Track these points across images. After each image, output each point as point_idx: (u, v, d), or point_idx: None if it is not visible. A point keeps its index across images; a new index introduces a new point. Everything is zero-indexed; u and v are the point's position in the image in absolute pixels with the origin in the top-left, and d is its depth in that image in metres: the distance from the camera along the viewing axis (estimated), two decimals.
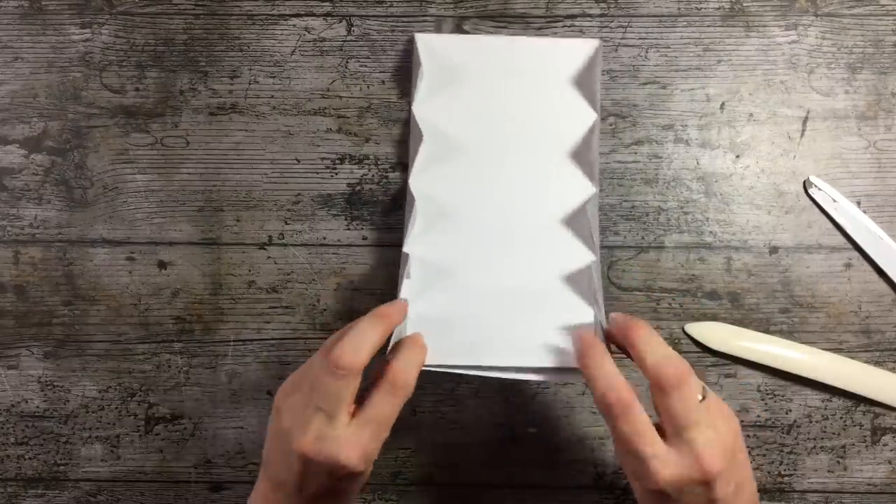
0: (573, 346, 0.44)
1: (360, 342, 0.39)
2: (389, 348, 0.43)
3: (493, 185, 0.51)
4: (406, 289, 0.48)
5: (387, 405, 0.39)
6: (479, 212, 0.50)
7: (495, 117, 0.52)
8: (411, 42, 0.54)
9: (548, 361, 0.44)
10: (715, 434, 0.37)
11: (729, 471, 0.38)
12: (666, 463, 0.37)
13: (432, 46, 0.53)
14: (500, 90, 0.52)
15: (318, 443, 0.38)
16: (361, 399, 0.40)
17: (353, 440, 0.38)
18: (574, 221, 0.50)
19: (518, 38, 0.53)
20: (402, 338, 0.43)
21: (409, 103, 0.53)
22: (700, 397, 0.38)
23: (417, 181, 0.51)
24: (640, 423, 0.38)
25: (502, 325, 0.46)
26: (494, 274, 0.48)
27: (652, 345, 0.39)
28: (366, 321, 0.40)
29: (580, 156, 0.51)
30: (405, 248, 0.49)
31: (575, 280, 0.48)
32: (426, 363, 0.43)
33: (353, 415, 0.39)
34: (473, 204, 0.50)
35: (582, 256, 0.49)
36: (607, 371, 0.39)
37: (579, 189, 0.50)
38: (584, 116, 0.52)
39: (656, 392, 0.38)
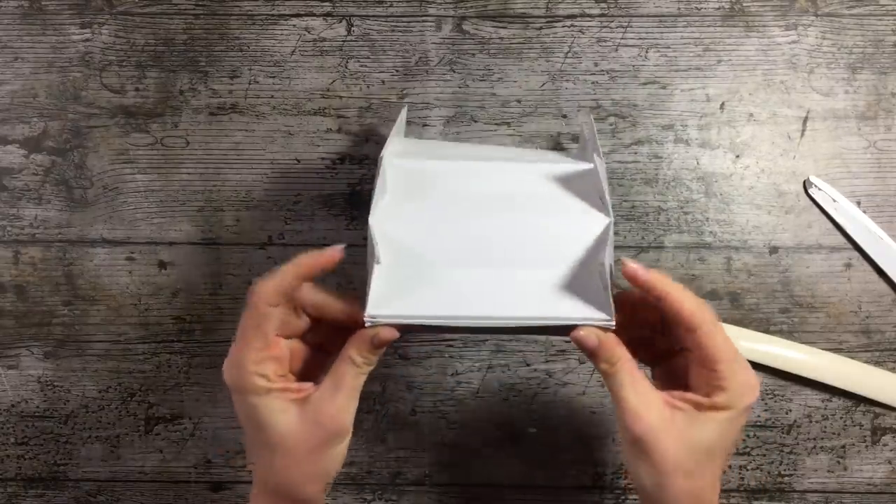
0: (635, 272, 0.37)
1: (271, 278, 0.38)
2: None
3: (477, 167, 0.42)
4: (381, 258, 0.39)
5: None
6: (460, 182, 0.41)
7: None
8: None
9: (551, 312, 0.38)
10: None
11: None
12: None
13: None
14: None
15: (230, 367, 0.38)
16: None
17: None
18: (579, 182, 0.41)
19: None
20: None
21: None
22: None
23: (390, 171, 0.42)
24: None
25: (498, 273, 0.39)
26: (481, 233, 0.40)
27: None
28: (291, 267, 0.38)
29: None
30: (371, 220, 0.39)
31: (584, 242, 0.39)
32: (405, 314, 0.37)
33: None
34: (453, 175, 0.42)
35: (592, 219, 0.39)
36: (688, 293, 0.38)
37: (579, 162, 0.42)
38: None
39: (701, 330, 0.37)
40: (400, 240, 0.39)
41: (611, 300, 0.37)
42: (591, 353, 0.38)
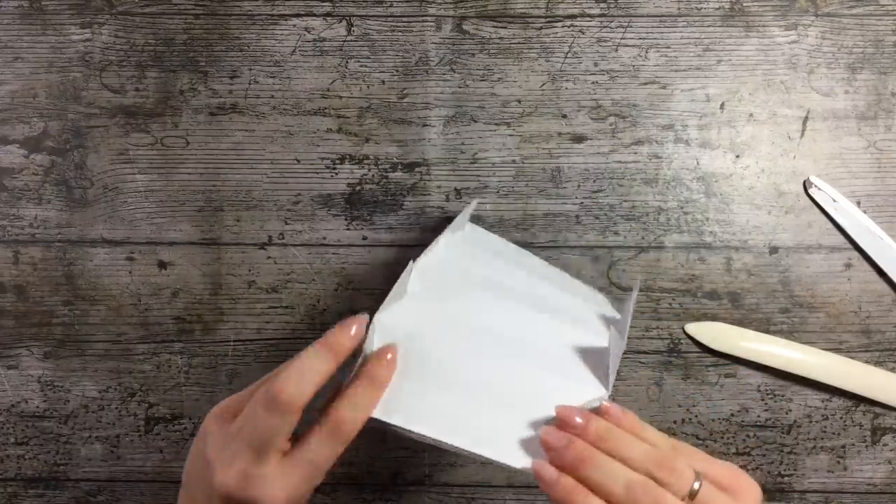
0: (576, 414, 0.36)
1: (302, 377, 0.35)
2: (356, 366, 0.38)
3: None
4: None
5: (325, 449, 0.36)
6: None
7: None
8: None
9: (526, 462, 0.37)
10: None
11: None
12: None
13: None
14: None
15: (242, 481, 0.35)
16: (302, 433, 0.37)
17: (280, 481, 0.35)
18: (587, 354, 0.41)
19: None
20: (364, 365, 0.37)
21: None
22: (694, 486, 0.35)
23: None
24: None
25: (490, 411, 0.39)
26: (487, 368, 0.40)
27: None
28: (312, 352, 0.36)
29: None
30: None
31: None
32: (380, 416, 0.37)
33: (287, 453, 0.36)
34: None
35: (592, 390, 0.40)
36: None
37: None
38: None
39: None
40: (413, 360, 0.39)
41: None
42: None
